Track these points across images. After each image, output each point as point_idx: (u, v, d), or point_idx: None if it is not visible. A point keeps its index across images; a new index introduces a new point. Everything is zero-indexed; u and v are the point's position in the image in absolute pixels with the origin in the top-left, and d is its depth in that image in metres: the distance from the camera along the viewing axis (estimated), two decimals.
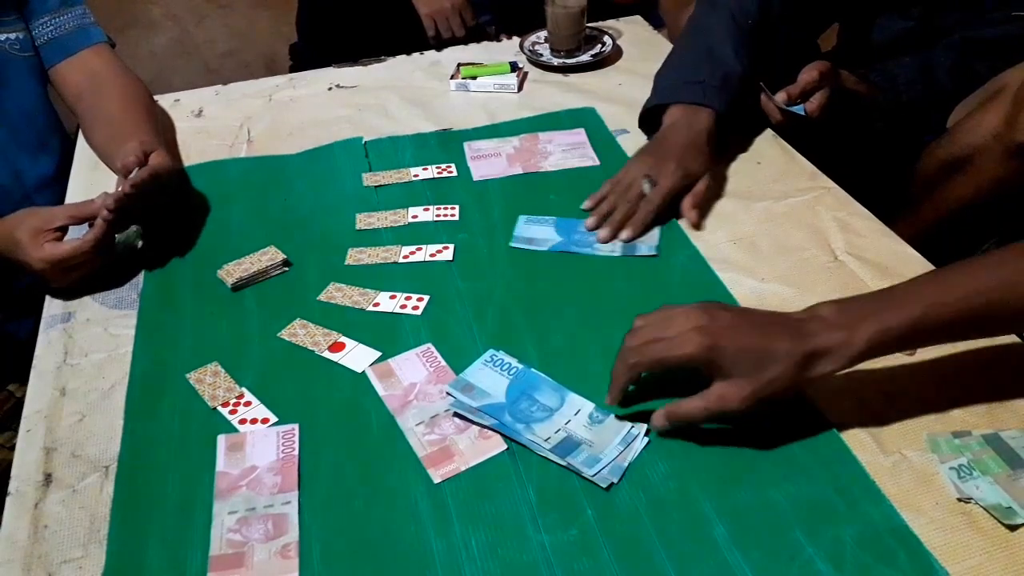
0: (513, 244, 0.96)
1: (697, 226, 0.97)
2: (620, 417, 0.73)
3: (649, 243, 0.95)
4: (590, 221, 0.97)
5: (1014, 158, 1.01)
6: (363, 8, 1.79)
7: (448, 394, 0.76)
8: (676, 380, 0.71)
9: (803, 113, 1.07)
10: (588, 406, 0.75)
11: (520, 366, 0.79)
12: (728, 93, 1.05)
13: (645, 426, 0.72)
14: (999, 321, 0.69)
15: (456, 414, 0.75)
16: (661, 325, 0.69)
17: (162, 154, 0.98)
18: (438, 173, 1.10)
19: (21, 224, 0.90)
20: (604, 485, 0.68)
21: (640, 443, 0.71)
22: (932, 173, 1.11)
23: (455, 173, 1.09)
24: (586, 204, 1.00)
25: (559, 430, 0.72)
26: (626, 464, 0.70)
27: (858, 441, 0.71)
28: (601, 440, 0.71)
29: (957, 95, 1.14)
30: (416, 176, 1.09)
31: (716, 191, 1.03)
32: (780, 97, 1.08)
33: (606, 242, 0.95)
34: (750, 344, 0.66)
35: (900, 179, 1.17)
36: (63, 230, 0.91)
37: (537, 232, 0.97)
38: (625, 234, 0.94)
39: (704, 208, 0.99)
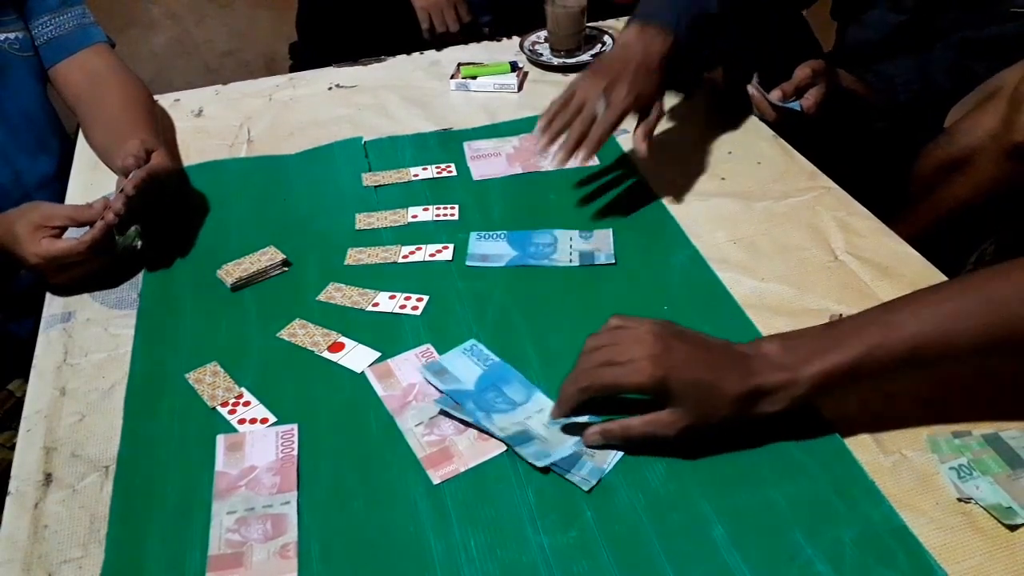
0: (468, 263, 0.93)
1: (645, 158, 0.96)
2: (580, 425, 0.72)
3: (607, 252, 0.93)
4: (542, 140, 0.96)
5: (1011, 159, 1.01)
6: (363, 8, 1.79)
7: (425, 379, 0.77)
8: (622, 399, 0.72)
9: (799, 109, 1.07)
10: (551, 406, 0.74)
11: (496, 359, 0.80)
12: (697, 28, 1.03)
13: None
14: (942, 361, 0.67)
15: (442, 411, 0.75)
16: (614, 348, 0.69)
17: (162, 154, 0.98)
18: (438, 173, 1.10)
19: (22, 218, 0.91)
20: (586, 488, 0.68)
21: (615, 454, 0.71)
22: (930, 173, 1.11)
23: (455, 173, 1.09)
24: (539, 124, 0.98)
25: (517, 423, 0.73)
26: (607, 467, 0.69)
27: (858, 441, 0.71)
28: (555, 439, 0.72)
29: (955, 95, 1.14)
30: (416, 176, 1.09)
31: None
32: (775, 95, 1.08)
33: (562, 164, 0.94)
34: (699, 378, 0.67)
35: (899, 179, 1.17)
36: (62, 228, 0.91)
37: (491, 248, 0.95)
38: (581, 155, 0.93)
39: (654, 140, 0.97)
